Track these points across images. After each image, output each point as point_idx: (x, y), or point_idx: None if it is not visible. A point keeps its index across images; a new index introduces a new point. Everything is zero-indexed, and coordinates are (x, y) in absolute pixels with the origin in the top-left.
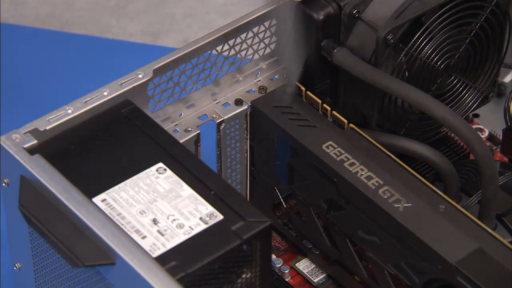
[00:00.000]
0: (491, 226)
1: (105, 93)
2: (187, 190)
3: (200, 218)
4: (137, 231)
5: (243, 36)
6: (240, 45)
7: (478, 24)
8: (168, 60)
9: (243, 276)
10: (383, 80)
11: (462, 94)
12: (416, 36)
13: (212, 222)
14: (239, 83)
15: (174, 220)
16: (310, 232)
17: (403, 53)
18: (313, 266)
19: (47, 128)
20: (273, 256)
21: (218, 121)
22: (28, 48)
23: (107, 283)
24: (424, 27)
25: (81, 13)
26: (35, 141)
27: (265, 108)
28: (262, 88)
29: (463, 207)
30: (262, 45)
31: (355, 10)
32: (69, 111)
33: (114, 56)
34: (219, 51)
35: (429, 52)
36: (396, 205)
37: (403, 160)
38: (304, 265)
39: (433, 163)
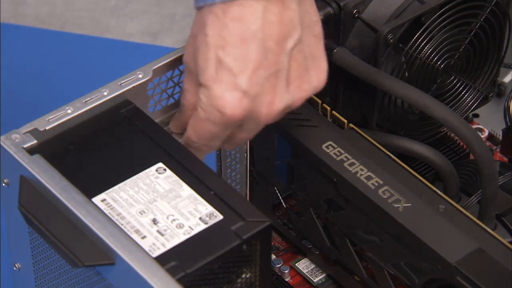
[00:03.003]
0: (491, 226)
1: (105, 93)
2: (187, 190)
3: (200, 218)
4: (137, 231)
5: None
6: None
7: (478, 24)
8: (168, 60)
9: (243, 276)
10: (383, 80)
11: (462, 94)
12: (416, 36)
13: (212, 222)
14: None
15: (174, 220)
16: (310, 232)
17: (403, 53)
18: (313, 266)
19: (47, 128)
20: (273, 256)
21: None
22: (28, 48)
23: (107, 283)
24: (424, 27)
25: (81, 13)
26: (35, 141)
27: None
28: None
29: (463, 207)
30: None
31: (355, 10)
32: (69, 111)
33: (114, 56)
34: None
35: (429, 52)
36: (396, 205)
37: (403, 160)
38: (304, 265)
39: (433, 163)
